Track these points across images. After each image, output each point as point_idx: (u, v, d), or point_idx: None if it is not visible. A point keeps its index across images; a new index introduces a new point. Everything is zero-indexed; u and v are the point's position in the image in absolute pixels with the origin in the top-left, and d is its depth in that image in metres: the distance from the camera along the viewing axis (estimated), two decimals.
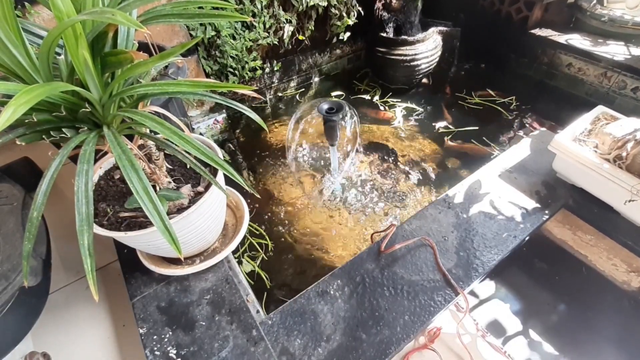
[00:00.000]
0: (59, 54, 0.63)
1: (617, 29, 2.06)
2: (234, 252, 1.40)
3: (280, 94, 2.22)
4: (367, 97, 2.23)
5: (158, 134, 0.63)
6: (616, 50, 1.95)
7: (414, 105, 2.15)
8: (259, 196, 1.33)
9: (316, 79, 2.33)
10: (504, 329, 1.17)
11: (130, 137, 0.79)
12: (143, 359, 0.90)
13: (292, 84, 2.24)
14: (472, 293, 1.27)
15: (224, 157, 1.78)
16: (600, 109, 1.24)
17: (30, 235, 0.55)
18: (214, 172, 0.93)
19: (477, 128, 1.94)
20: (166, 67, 1.08)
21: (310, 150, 1.84)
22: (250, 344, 0.90)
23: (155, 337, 0.92)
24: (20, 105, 0.40)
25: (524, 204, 1.19)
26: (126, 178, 0.55)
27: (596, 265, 1.31)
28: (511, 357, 1.04)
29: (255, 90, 2.15)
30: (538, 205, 1.18)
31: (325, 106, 1.44)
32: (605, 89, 2.00)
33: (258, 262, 1.41)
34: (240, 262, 1.40)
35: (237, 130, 2.06)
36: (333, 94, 2.26)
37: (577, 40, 2.08)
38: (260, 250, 1.45)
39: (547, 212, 1.16)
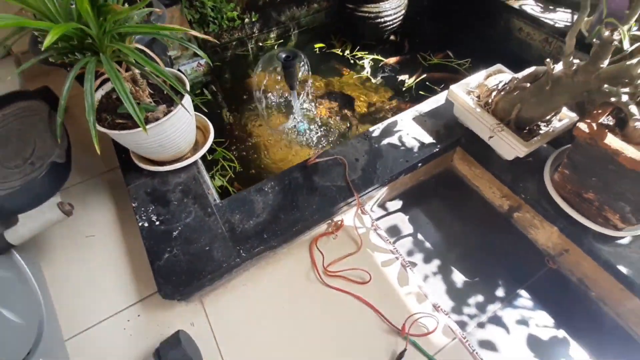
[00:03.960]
0: (73, 4, 0.98)
1: None
2: (209, 170, 1.82)
3: (261, 44, 2.50)
4: (339, 51, 2.49)
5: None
6: (560, 17, 2.15)
7: (380, 57, 2.42)
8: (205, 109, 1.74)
9: (295, 32, 2.59)
10: (400, 231, 1.59)
11: (120, 64, 1.15)
12: (135, 223, 1.35)
13: (272, 35, 2.50)
14: (384, 206, 1.68)
15: (206, 95, 2.14)
16: (496, 67, 1.54)
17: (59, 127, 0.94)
18: (182, 97, 1.30)
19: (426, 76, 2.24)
20: (150, 14, 1.40)
21: (276, 94, 2.18)
22: (206, 216, 1.33)
23: (142, 209, 1.36)
24: (55, 35, 0.76)
25: (424, 139, 1.54)
26: (115, 86, 0.92)
27: (483, 192, 1.69)
28: (392, 244, 1.46)
29: (237, 39, 2.42)
30: (434, 141, 1.53)
31: (282, 55, 1.75)
32: (547, 53, 2.24)
33: (227, 178, 1.83)
34: (213, 178, 1.82)
35: (225, 76, 2.38)
36: (316, 46, 2.51)
37: (529, 6, 2.27)
38: (229, 170, 1.86)
39: (439, 146, 1.51)
